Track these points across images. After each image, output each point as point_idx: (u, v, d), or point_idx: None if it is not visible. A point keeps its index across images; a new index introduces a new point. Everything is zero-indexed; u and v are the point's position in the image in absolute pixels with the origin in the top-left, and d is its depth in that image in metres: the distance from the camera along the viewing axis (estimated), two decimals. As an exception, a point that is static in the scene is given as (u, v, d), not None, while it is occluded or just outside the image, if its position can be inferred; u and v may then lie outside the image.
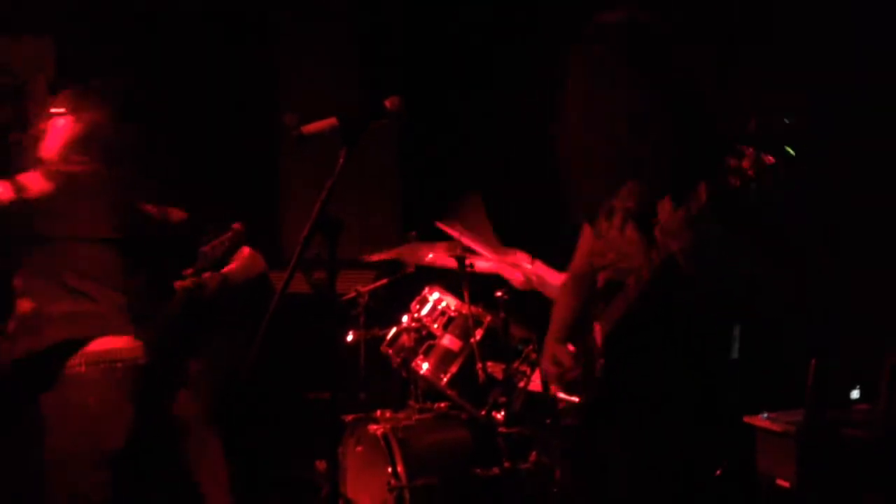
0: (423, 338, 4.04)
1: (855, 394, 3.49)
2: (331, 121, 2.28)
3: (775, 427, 3.45)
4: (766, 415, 3.52)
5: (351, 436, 3.93)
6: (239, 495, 3.89)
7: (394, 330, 4.15)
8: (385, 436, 3.68)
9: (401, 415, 3.91)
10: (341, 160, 2.24)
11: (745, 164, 2.18)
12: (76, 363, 3.16)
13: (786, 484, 3.40)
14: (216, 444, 3.81)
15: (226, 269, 3.73)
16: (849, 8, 3.83)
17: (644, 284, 2.39)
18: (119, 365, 3.20)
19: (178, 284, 3.54)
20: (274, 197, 5.65)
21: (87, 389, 3.17)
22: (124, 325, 3.25)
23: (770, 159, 2.16)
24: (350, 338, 4.26)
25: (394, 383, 4.27)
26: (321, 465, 4.22)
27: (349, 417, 3.95)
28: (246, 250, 3.87)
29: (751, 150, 2.18)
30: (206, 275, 3.60)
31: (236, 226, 3.73)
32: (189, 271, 3.60)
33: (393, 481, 3.58)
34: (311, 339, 3.86)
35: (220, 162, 4.81)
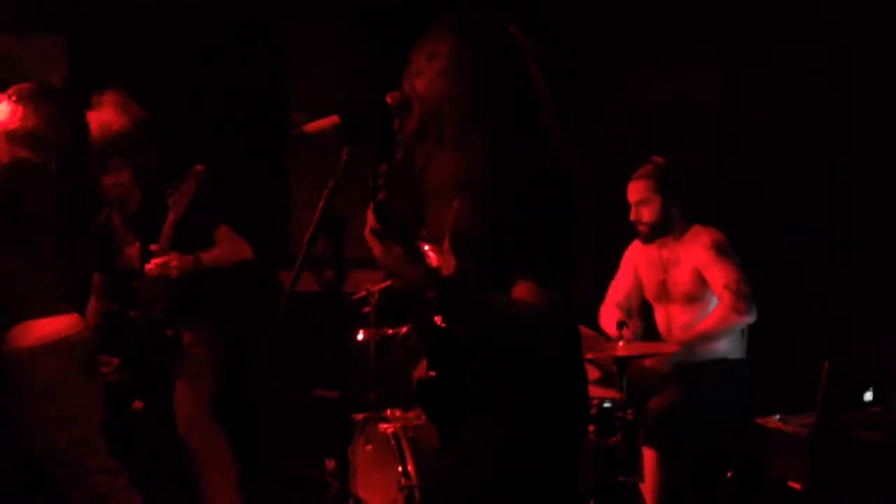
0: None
1: (868, 396, 3.47)
2: (332, 118, 2.23)
3: (788, 429, 3.43)
4: (778, 417, 3.51)
5: (361, 434, 3.93)
6: (248, 494, 3.90)
7: (404, 328, 4.15)
8: (395, 435, 3.67)
9: (411, 414, 3.89)
10: (344, 158, 2.20)
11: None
12: (25, 350, 3.10)
13: (798, 486, 3.38)
14: (222, 439, 3.80)
15: (205, 253, 3.71)
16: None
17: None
18: (71, 343, 3.15)
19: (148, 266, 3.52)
20: (284, 196, 5.65)
21: (48, 379, 3.11)
22: (57, 304, 3.20)
23: None
24: (360, 337, 4.25)
25: (404, 382, 4.26)
26: (331, 463, 4.21)
27: (359, 416, 3.94)
28: (227, 234, 3.83)
29: None
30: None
31: (198, 167, 3.64)
32: (156, 247, 3.58)
33: (403, 480, 3.57)
34: (322, 338, 3.86)
35: (230, 161, 4.80)
